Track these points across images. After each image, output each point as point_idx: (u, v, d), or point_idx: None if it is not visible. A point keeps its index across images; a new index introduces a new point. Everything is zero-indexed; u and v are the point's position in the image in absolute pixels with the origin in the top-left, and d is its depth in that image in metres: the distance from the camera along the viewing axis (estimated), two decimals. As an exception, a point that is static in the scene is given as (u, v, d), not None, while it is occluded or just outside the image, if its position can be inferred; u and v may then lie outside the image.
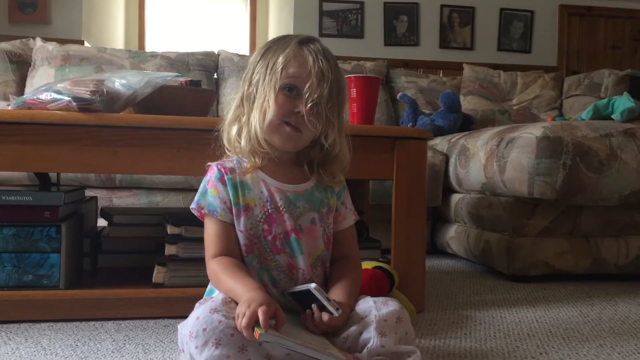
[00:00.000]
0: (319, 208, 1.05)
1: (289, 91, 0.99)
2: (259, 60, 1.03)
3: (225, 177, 1.02)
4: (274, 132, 1.01)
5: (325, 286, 1.05)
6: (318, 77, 0.98)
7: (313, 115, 0.99)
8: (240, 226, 1.01)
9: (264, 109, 1.00)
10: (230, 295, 0.94)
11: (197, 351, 0.83)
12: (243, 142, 1.02)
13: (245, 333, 0.83)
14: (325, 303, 0.93)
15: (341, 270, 1.06)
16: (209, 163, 1.06)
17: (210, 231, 1.03)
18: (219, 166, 1.04)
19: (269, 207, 1.02)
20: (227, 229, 1.01)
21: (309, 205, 1.04)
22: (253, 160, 1.02)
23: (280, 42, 1.03)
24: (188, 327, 0.87)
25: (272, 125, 1.00)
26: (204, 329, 0.84)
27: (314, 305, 0.94)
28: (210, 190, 1.03)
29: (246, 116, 1.03)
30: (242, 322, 0.83)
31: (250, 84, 1.04)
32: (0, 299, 1.29)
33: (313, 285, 0.94)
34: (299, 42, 1.02)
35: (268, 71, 1.00)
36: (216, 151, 1.08)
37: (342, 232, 1.11)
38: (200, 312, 0.87)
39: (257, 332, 0.81)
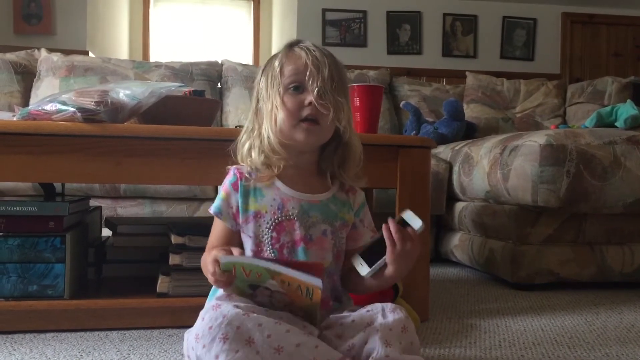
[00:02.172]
0: (332, 221, 1.05)
1: (294, 89, 1.01)
2: (261, 78, 1.07)
3: (239, 182, 1.04)
4: (292, 133, 1.01)
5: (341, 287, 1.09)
6: (315, 64, 1.00)
7: (323, 100, 1.00)
8: (249, 232, 1.03)
9: (273, 115, 1.01)
10: (206, 271, 0.97)
11: (205, 350, 0.84)
12: (254, 154, 1.03)
13: (214, 283, 0.92)
14: (413, 219, 0.97)
15: None
16: (228, 167, 1.08)
17: (214, 229, 1.07)
18: (236, 170, 1.06)
19: (279, 215, 1.02)
20: (228, 232, 1.05)
21: (322, 217, 1.04)
22: (267, 170, 1.03)
23: (273, 55, 1.07)
24: (194, 331, 0.87)
25: (287, 128, 1.01)
26: (210, 327, 0.85)
27: (391, 219, 0.98)
28: (222, 193, 1.06)
29: (257, 130, 1.05)
30: (210, 271, 0.92)
31: (258, 101, 1.06)
32: (5, 309, 1.29)
33: (406, 210, 0.99)
34: (288, 45, 1.05)
35: (269, 80, 1.03)
36: (230, 161, 1.08)
37: (359, 249, 1.09)
38: (204, 312, 0.88)
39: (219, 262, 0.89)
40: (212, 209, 1.06)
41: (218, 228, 1.06)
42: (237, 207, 1.04)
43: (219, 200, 1.05)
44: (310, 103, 1.00)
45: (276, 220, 1.02)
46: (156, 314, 1.37)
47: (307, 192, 1.05)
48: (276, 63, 1.03)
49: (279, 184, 1.04)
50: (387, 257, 0.97)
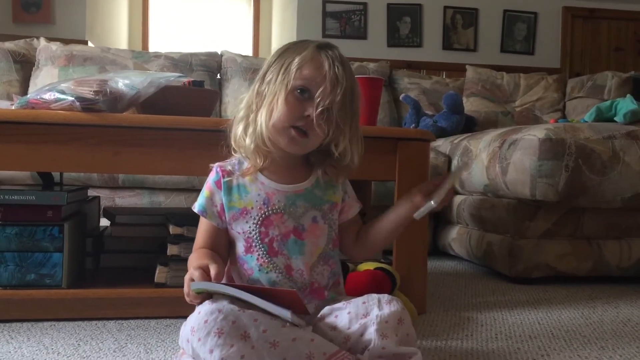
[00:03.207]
0: (320, 206, 1.05)
1: (301, 93, 0.98)
2: (275, 60, 1.02)
3: (222, 180, 1.03)
4: (279, 134, 0.99)
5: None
6: (332, 82, 0.97)
7: (323, 120, 0.97)
8: (238, 228, 1.03)
9: (271, 107, 0.99)
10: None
11: (200, 344, 0.84)
12: (248, 140, 1.01)
13: (187, 298, 0.92)
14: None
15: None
16: (211, 165, 1.07)
17: (200, 228, 1.07)
18: (218, 169, 1.05)
19: (266, 210, 1.02)
20: (214, 229, 1.05)
21: (309, 204, 1.04)
22: (255, 160, 1.02)
23: (298, 45, 1.02)
24: (190, 323, 0.88)
25: (278, 127, 0.99)
26: (205, 321, 0.85)
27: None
28: (205, 192, 1.05)
29: (254, 114, 1.02)
30: (185, 291, 0.92)
31: (262, 82, 1.02)
32: (3, 298, 1.30)
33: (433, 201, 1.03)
34: (318, 46, 1.00)
35: (282, 71, 0.99)
36: (221, 152, 1.07)
37: (350, 221, 1.11)
38: (201, 307, 0.88)
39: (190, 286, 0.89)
40: (195, 207, 1.05)
41: (203, 226, 1.06)
42: (222, 204, 1.03)
43: (202, 199, 1.05)
44: (309, 116, 0.97)
45: (263, 215, 1.02)
46: (154, 304, 1.37)
47: (291, 183, 1.04)
48: (297, 59, 0.98)
49: (262, 178, 1.03)
50: (435, 202, 1.03)
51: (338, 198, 1.09)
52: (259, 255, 1.02)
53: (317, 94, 0.97)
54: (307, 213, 1.04)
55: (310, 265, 1.04)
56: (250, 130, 1.01)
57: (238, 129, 1.03)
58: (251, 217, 1.02)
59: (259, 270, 1.02)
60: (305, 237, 1.03)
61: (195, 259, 0.99)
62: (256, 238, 1.02)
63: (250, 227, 1.02)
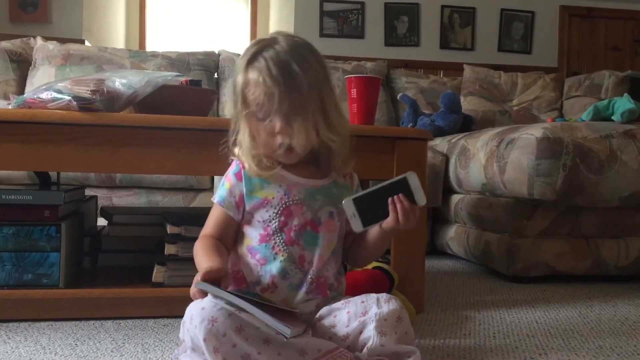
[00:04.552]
0: (336, 203, 1.07)
1: (260, 120, 1.00)
2: (232, 83, 1.05)
3: (242, 171, 1.05)
4: (274, 155, 1.03)
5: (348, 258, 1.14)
6: (267, 94, 0.97)
7: (285, 129, 0.98)
8: (258, 217, 1.04)
9: (250, 134, 1.02)
10: (198, 269, 0.98)
11: (197, 330, 0.85)
12: (247, 164, 1.03)
13: (191, 294, 0.92)
14: (419, 189, 1.01)
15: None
16: (232, 157, 1.08)
17: (212, 215, 1.08)
18: (238, 161, 1.07)
19: (287, 200, 1.04)
20: (228, 219, 1.06)
21: (327, 200, 1.06)
22: (266, 169, 1.04)
23: (245, 54, 1.02)
24: (189, 312, 0.89)
25: (266, 153, 1.02)
26: (203, 308, 0.86)
27: (401, 194, 1.01)
28: (225, 183, 1.07)
29: (240, 135, 1.04)
30: (192, 290, 0.92)
31: (234, 94, 1.03)
32: (0, 297, 1.29)
33: (410, 173, 1.01)
34: (247, 63, 1.00)
35: (237, 98, 1.01)
36: (229, 152, 1.08)
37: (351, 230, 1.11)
38: (203, 300, 0.89)
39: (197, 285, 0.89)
40: (215, 198, 1.07)
41: (216, 214, 1.07)
42: (242, 195, 1.05)
43: (222, 190, 1.07)
44: (277, 132, 0.99)
45: (284, 205, 1.03)
46: (151, 303, 1.37)
47: (310, 178, 1.07)
48: (238, 88, 1.00)
49: (282, 171, 1.05)
50: (386, 224, 1.02)
51: None
52: (275, 243, 1.03)
53: (265, 114, 0.99)
54: (324, 207, 1.06)
55: (325, 259, 1.05)
56: (244, 151, 1.04)
57: (235, 150, 1.06)
58: (272, 206, 1.04)
59: (274, 258, 1.02)
60: (321, 230, 1.05)
61: (203, 255, 1.00)
62: (275, 227, 1.03)
63: (270, 215, 1.03)
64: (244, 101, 1.00)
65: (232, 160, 1.08)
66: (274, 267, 1.02)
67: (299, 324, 0.94)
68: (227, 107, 1.09)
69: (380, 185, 1.03)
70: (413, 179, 1.01)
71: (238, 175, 1.06)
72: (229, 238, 1.07)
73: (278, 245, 1.03)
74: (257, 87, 0.98)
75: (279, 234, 1.03)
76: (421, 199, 1.01)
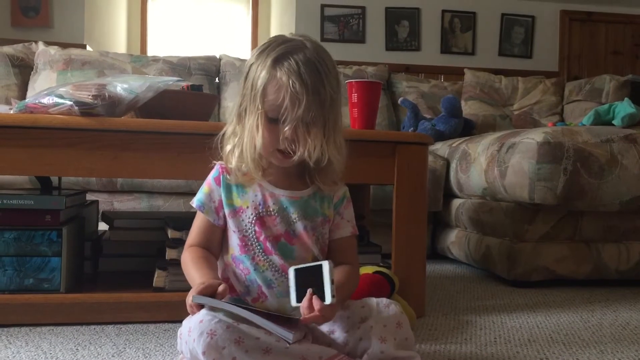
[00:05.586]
0: (312, 217, 1.05)
1: (271, 122, 0.98)
2: (245, 81, 1.02)
3: (221, 177, 1.05)
4: (269, 156, 1.01)
5: None
6: (292, 99, 0.95)
7: (296, 137, 0.97)
8: (233, 226, 1.03)
9: (252, 135, 0.99)
10: (190, 283, 0.98)
11: (195, 344, 0.85)
12: (234, 162, 1.02)
13: (188, 308, 0.91)
14: (328, 285, 0.88)
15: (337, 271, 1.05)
16: (214, 162, 1.08)
17: (195, 223, 1.07)
18: (219, 166, 1.06)
19: (260, 210, 1.03)
20: (210, 225, 1.05)
21: (301, 213, 1.04)
22: (249, 174, 1.03)
23: (263, 54, 0.99)
24: (187, 325, 0.89)
25: (266, 152, 1.00)
26: (200, 321, 0.86)
27: (309, 290, 0.90)
28: (204, 187, 1.07)
29: (239, 136, 1.03)
30: (188, 302, 0.91)
31: (243, 98, 1.02)
32: (1, 302, 1.29)
33: (327, 262, 0.90)
34: (274, 61, 0.97)
35: (252, 94, 0.99)
36: (211, 155, 1.07)
37: (338, 241, 1.09)
38: (200, 313, 0.89)
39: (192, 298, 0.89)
40: (194, 202, 1.06)
41: (199, 223, 1.06)
42: (220, 201, 1.04)
43: (201, 194, 1.06)
44: (286, 137, 0.97)
45: (258, 215, 1.02)
46: (152, 308, 1.37)
47: (288, 189, 1.05)
48: (259, 81, 0.97)
49: (262, 181, 1.04)
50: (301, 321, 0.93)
51: (331, 213, 1.08)
52: (254, 253, 1.02)
53: (282, 117, 0.96)
54: (299, 221, 1.04)
55: None
56: (237, 153, 1.02)
57: (227, 147, 1.04)
58: (246, 215, 1.03)
59: (255, 269, 1.01)
60: (295, 243, 1.03)
61: (194, 269, 0.99)
62: (252, 237, 1.02)
63: (245, 225, 1.03)
64: (262, 98, 0.97)
65: (214, 164, 1.07)
66: (258, 277, 1.01)
67: (299, 329, 0.94)
68: (237, 104, 1.05)
69: (305, 265, 0.96)
70: (326, 270, 0.90)
71: (217, 180, 1.05)
72: (215, 245, 1.06)
73: (258, 256, 1.02)
74: (283, 89, 0.95)
75: (257, 244, 1.02)
76: (328, 296, 0.88)
